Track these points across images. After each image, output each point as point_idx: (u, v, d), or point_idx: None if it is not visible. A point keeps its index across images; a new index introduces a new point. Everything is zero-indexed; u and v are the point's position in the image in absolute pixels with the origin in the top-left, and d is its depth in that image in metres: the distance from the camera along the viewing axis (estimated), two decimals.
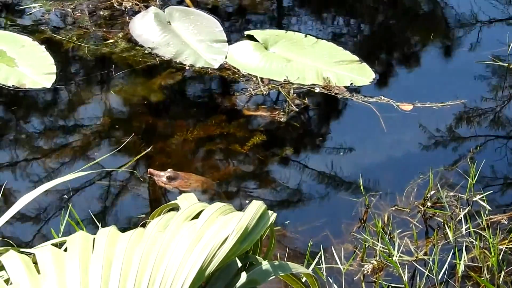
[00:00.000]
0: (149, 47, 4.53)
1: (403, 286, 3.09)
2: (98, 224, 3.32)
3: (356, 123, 4.11)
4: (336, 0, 5.23)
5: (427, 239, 3.33)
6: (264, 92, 4.23)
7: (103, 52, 4.52)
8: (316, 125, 4.12)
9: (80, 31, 4.69)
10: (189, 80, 4.38)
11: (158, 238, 1.83)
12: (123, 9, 4.88)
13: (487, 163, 3.67)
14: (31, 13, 4.87)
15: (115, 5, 4.91)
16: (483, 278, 3.09)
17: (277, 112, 4.10)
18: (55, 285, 1.74)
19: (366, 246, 3.23)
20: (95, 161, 3.57)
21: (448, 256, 3.17)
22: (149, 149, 3.77)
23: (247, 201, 3.54)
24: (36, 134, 4.00)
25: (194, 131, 3.95)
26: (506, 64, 4.38)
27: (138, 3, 4.91)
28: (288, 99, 4.15)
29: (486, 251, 3.18)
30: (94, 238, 1.85)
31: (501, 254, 3.19)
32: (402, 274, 3.11)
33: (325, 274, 3.13)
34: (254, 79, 4.31)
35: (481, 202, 3.43)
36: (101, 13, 4.85)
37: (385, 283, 3.13)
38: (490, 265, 3.14)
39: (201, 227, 1.85)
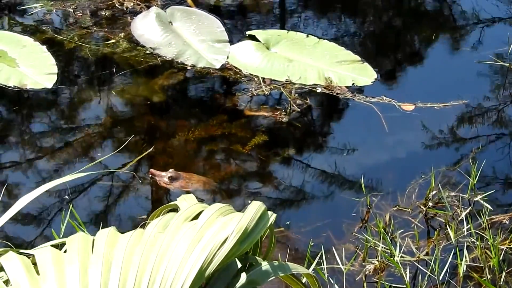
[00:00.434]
0: (150, 47, 4.53)
1: (404, 286, 3.09)
2: (99, 224, 3.32)
3: (357, 123, 4.11)
4: (337, 0, 5.23)
5: (429, 239, 3.32)
6: (266, 92, 4.23)
7: (104, 52, 4.53)
8: (317, 125, 4.12)
9: (82, 31, 4.69)
10: (190, 80, 4.38)
11: (157, 239, 1.83)
12: (125, 9, 4.88)
13: (489, 163, 3.66)
14: (32, 13, 4.87)
15: (116, 5, 4.91)
16: (484, 279, 3.09)
17: (278, 112, 4.10)
18: (55, 286, 1.74)
19: (368, 246, 3.23)
20: (96, 161, 3.57)
21: (450, 256, 3.17)
22: (151, 149, 3.77)
23: (248, 202, 3.54)
24: (37, 134, 4.01)
25: (196, 131, 3.94)
26: (507, 64, 4.38)
27: (139, 3, 4.91)
28: (289, 99, 4.15)
29: (487, 251, 3.18)
30: (94, 239, 1.85)
31: (503, 254, 3.18)
32: (404, 275, 3.11)
33: (326, 274, 3.13)
34: (256, 79, 4.31)
35: (483, 202, 3.42)
36: (103, 13, 4.86)
37: (387, 283, 3.12)
38: (491, 265, 3.13)
39: (201, 228, 1.84)
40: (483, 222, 3.33)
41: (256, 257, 1.94)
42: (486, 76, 4.37)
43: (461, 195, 3.50)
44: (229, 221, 1.86)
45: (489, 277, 3.10)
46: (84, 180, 3.66)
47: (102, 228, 1.99)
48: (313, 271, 3.03)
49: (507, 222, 3.39)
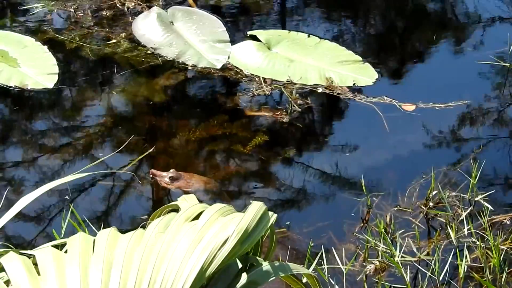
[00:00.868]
0: (151, 47, 4.53)
1: (405, 286, 3.09)
2: (100, 224, 3.32)
3: (358, 124, 4.11)
4: (339, 0, 5.23)
5: (429, 240, 3.32)
6: (267, 92, 4.23)
7: (105, 52, 4.53)
8: (318, 126, 4.12)
9: (83, 31, 4.69)
10: (191, 80, 4.38)
11: (158, 239, 1.83)
12: (126, 9, 4.88)
13: (489, 163, 3.66)
14: (33, 14, 4.87)
15: (117, 5, 4.91)
16: (485, 279, 3.09)
17: (279, 112, 4.10)
18: (55, 286, 1.74)
19: (368, 246, 3.23)
20: (97, 161, 3.57)
21: (450, 257, 3.16)
22: (152, 149, 3.77)
23: (249, 202, 3.54)
24: (38, 134, 4.01)
25: (197, 131, 3.95)
26: (507, 64, 4.37)
27: (140, 3, 4.91)
28: (290, 99, 4.15)
29: (488, 252, 3.17)
30: (94, 240, 1.85)
31: (503, 255, 3.18)
32: (404, 275, 3.11)
33: (327, 274, 3.13)
34: (257, 79, 4.31)
35: (483, 203, 3.42)
36: (104, 13, 4.86)
37: (387, 283, 3.12)
38: (492, 266, 3.13)
39: (202, 228, 1.85)
40: (484, 222, 3.33)
41: (257, 257, 1.94)
42: (487, 76, 4.37)
43: (461, 195, 3.50)
44: (229, 222, 1.86)
45: (489, 277, 3.10)
46: (85, 180, 3.66)
47: (103, 228, 1.99)
48: (313, 271, 3.03)
49: (508, 222, 3.39)
